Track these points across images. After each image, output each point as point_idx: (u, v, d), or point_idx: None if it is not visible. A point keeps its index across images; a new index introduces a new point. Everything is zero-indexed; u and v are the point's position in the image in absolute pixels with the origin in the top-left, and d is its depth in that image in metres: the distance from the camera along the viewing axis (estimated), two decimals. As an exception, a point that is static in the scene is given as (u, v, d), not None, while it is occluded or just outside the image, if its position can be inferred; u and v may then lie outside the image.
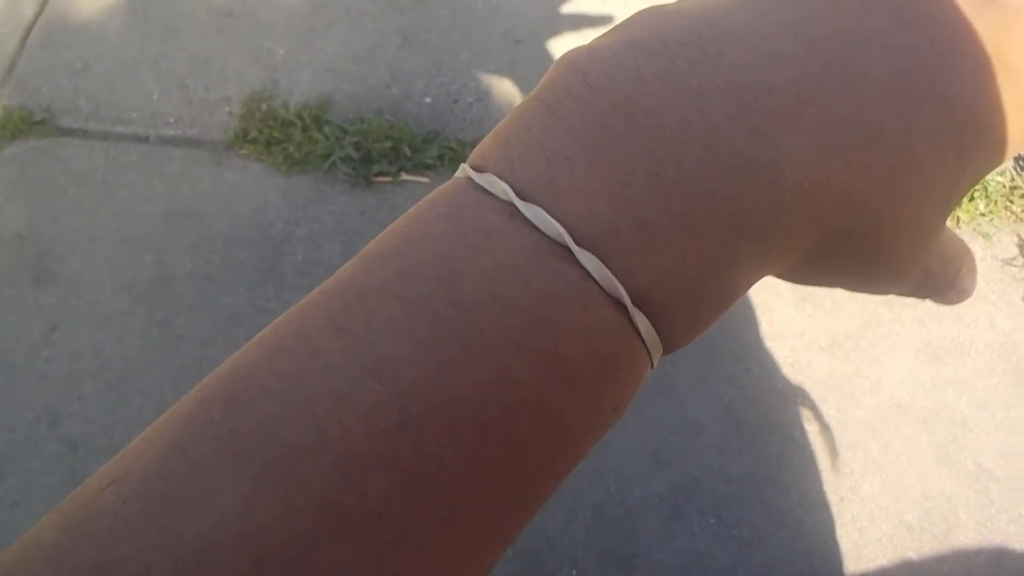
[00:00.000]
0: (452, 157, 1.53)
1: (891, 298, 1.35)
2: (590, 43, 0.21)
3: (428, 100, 1.62)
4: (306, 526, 0.17)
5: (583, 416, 0.20)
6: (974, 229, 1.40)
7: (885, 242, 0.22)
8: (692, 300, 0.20)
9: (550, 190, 0.20)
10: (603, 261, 0.19)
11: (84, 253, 1.45)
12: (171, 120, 1.59)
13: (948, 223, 1.36)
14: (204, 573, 0.17)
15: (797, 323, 1.36)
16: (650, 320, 0.20)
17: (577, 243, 0.19)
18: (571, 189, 0.19)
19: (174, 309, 1.39)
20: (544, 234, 0.19)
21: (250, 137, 1.56)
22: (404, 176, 1.52)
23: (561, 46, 1.65)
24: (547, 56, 1.64)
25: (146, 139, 1.57)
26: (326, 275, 0.21)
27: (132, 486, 0.18)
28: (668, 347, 0.21)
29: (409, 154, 1.54)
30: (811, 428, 1.29)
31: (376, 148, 1.53)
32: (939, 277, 0.25)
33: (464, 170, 0.21)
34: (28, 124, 1.57)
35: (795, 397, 1.32)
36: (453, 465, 0.18)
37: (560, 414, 0.19)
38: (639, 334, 0.20)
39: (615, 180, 0.19)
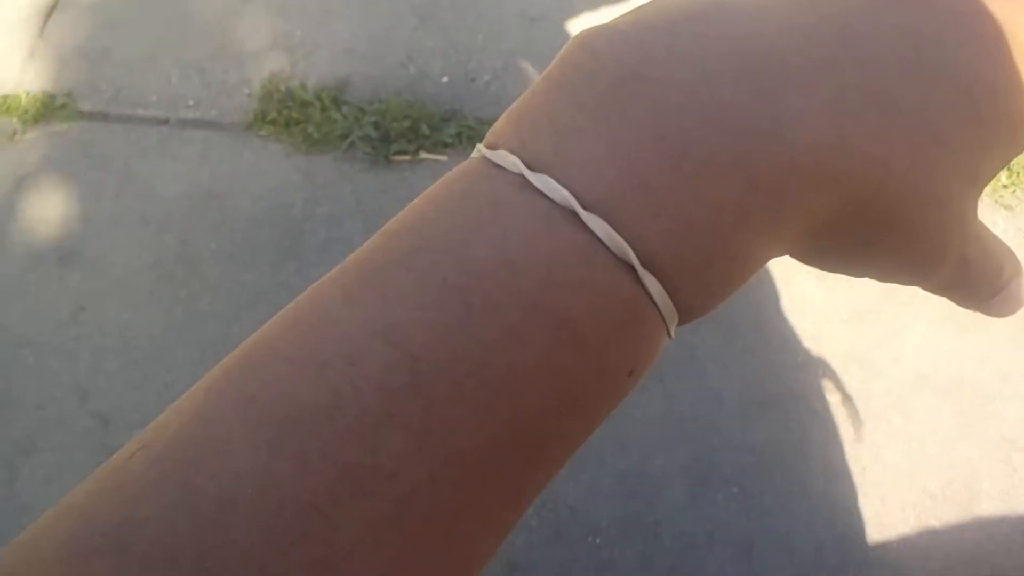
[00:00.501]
0: (470, 135, 1.53)
1: (912, 268, 1.35)
2: (601, 24, 0.22)
3: (445, 79, 1.62)
4: (321, 484, 0.18)
5: (594, 379, 0.20)
6: (996, 201, 1.39)
7: (909, 216, 0.22)
8: (703, 264, 0.20)
9: (558, 160, 0.20)
10: (610, 224, 0.19)
11: (108, 234, 1.46)
12: (190, 103, 1.60)
13: None
14: (223, 528, 0.17)
15: (817, 296, 1.36)
16: (663, 285, 0.20)
17: (584, 208, 0.19)
18: (578, 158, 0.20)
19: (198, 288, 1.40)
20: (553, 202, 0.20)
21: (269, 118, 1.56)
22: (423, 155, 1.52)
23: (576, 24, 1.65)
24: (562, 34, 1.64)
25: (166, 122, 1.58)
26: (347, 252, 0.21)
27: (158, 450, 0.18)
28: (684, 314, 0.21)
29: (427, 133, 1.54)
30: (833, 399, 1.29)
31: (395, 127, 1.54)
32: (978, 269, 0.25)
33: (479, 150, 0.22)
34: (50, 109, 1.58)
35: (816, 369, 1.32)
36: (462, 425, 0.19)
37: (570, 376, 0.20)
38: (651, 298, 0.20)
39: (621, 147, 0.20)
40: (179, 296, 1.40)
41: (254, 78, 1.63)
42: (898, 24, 0.21)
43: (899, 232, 0.22)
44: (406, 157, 1.52)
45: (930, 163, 0.21)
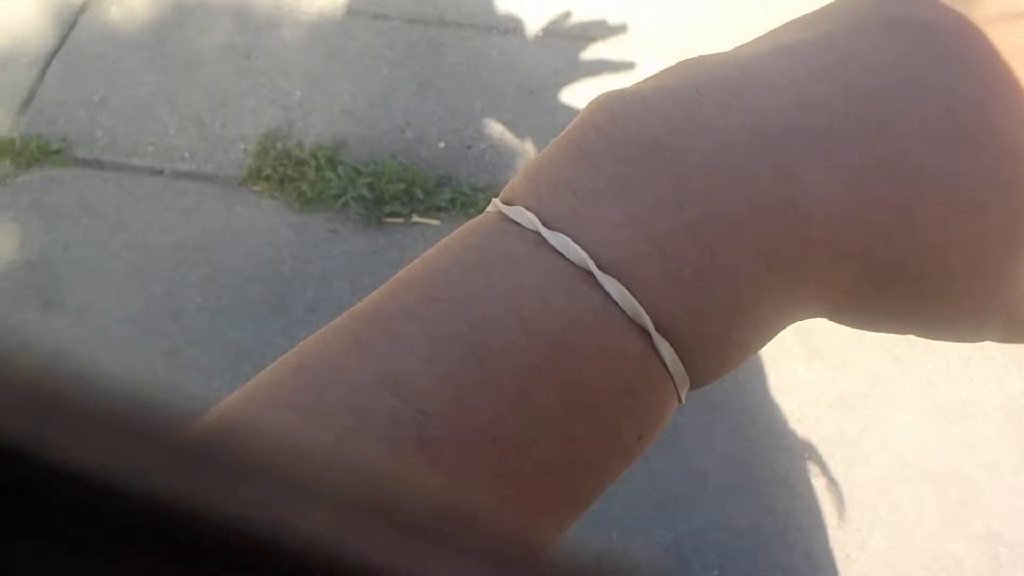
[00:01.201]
0: (464, 201, 1.53)
1: (901, 356, 1.35)
2: (622, 88, 0.22)
3: (442, 145, 1.64)
4: None
5: (603, 444, 0.20)
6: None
7: (940, 286, 0.21)
8: (718, 332, 0.20)
9: (576, 220, 0.20)
10: (626, 287, 0.19)
11: (94, 282, 1.44)
12: (186, 155, 1.60)
13: None
14: None
15: (805, 378, 1.36)
16: (676, 351, 0.20)
17: (600, 269, 0.19)
18: (596, 219, 0.20)
19: (181, 341, 1.39)
20: (569, 260, 0.19)
21: (264, 174, 1.57)
22: (416, 218, 1.52)
23: (573, 97, 1.67)
24: (560, 106, 1.66)
25: (160, 172, 1.58)
26: (335, 313, 0.21)
27: None
28: (696, 381, 0.21)
29: (421, 197, 1.55)
30: (818, 483, 1.28)
31: (389, 190, 1.54)
32: None
33: (494, 204, 0.22)
34: (44, 153, 1.58)
35: (802, 452, 1.30)
36: (470, 488, 0.18)
37: (579, 441, 0.19)
38: (664, 364, 0.20)
39: (640, 211, 0.20)
40: (162, 348, 1.38)
41: (251, 134, 1.63)
42: (934, 87, 0.21)
43: (929, 300, 0.22)
44: (399, 220, 1.52)
45: (961, 232, 0.21)
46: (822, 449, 1.30)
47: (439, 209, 1.53)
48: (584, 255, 0.19)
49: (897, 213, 0.20)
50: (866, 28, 0.21)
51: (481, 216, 0.22)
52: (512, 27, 1.77)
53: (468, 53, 1.76)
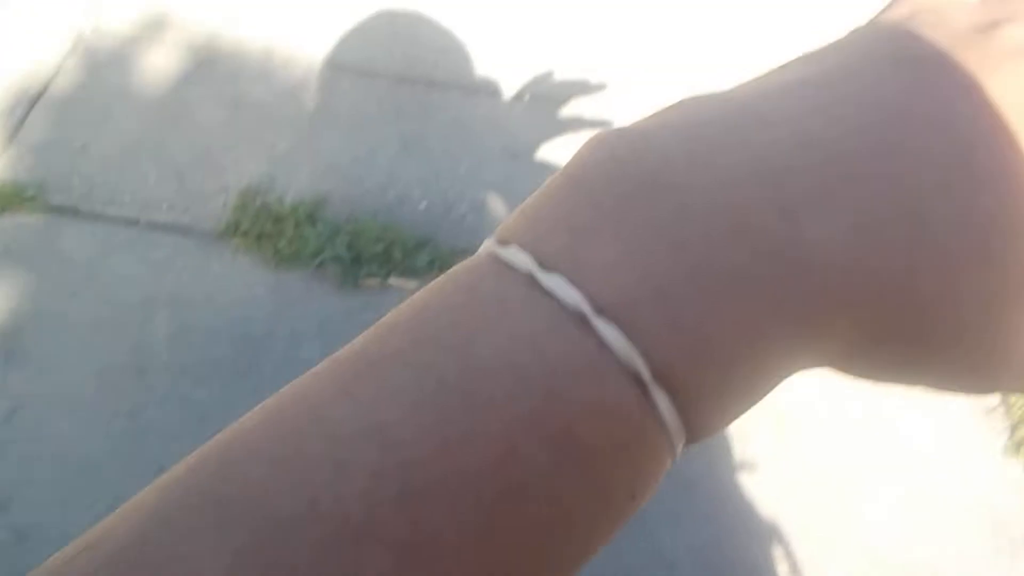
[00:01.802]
0: (443, 265, 1.52)
1: (873, 440, 1.34)
2: (622, 126, 0.21)
3: (423, 206, 1.63)
4: None
5: (594, 502, 0.19)
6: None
7: (947, 338, 0.20)
8: (718, 382, 0.19)
9: (571, 260, 0.19)
10: (623, 333, 0.18)
11: (58, 334, 1.42)
12: (164, 206, 1.59)
13: None
14: None
15: (777, 459, 1.34)
16: (673, 402, 0.19)
17: (597, 313, 0.18)
18: (592, 259, 0.19)
19: (143, 400, 1.36)
20: (563, 304, 0.19)
21: (242, 229, 1.55)
22: (392, 280, 1.51)
23: (557, 163, 1.67)
24: (543, 172, 1.66)
25: (136, 223, 1.57)
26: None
27: (106, 551, 0.17)
28: (692, 434, 0.20)
29: (400, 258, 1.53)
30: (783, 570, 1.26)
31: (367, 250, 1.53)
32: None
33: (487, 245, 0.21)
34: (19, 199, 1.56)
35: (771, 537, 1.28)
36: (454, 546, 0.17)
37: (569, 499, 0.18)
38: (659, 415, 0.19)
39: (638, 251, 0.19)
40: (122, 407, 1.35)
41: (232, 187, 1.62)
42: (937, 126, 0.20)
43: (936, 352, 0.20)
44: (375, 281, 1.50)
45: (967, 281, 0.20)
46: (791, 534, 1.28)
47: (417, 271, 1.52)
48: (580, 298, 0.18)
49: (899, 260, 0.19)
50: (869, 65, 0.21)
51: (473, 256, 0.21)
52: (499, 90, 1.78)
53: (455, 115, 1.76)
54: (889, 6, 0.24)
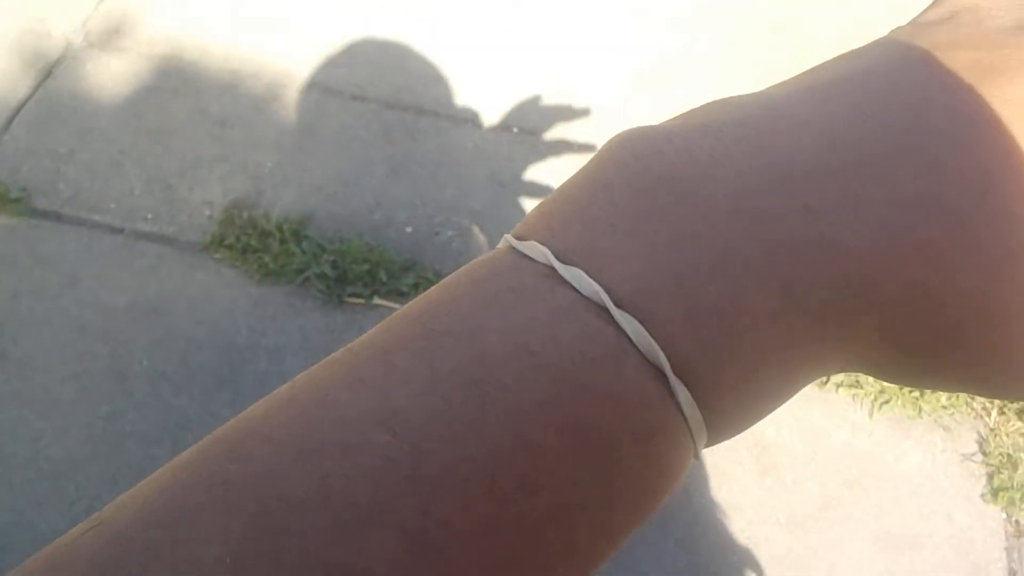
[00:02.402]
0: (428, 287, 1.52)
1: (852, 480, 1.35)
2: (646, 124, 0.21)
3: (409, 229, 1.63)
4: None
5: (612, 495, 0.18)
6: (935, 421, 1.42)
7: (981, 338, 0.20)
8: (740, 377, 0.19)
9: (590, 253, 0.19)
10: (643, 324, 0.18)
11: (39, 336, 1.40)
12: (149, 216, 1.58)
13: (910, 412, 1.35)
14: None
15: (756, 495, 1.35)
16: (693, 396, 0.19)
17: (616, 304, 0.18)
18: (611, 252, 0.19)
19: (123, 404, 1.34)
20: (582, 295, 0.18)
21: (227, 242, 1.55)
22: (377, 300, 1.51)
23: (543, 192, 1.70)
24: (529, 200, 1.68)
25: (120, 231, 1.55)
26: None
27: (114, 530, 0.17)
28: (714, 432, 0.20)
29: (385, 279, 1.54)
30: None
31: (352, 269, 1.53)
32: None
33: (506, 240, 0.21)
34: (3, 201, 1.54)
35: (749, 572, 1.29)
36: (464, 534, 0.17)
37: (585, 489, 0.18)
38: (680, 409, 0.19)
39: (658, 245, 0.19)
40: (101, 411, 1.33)
41: (218, 200, 1.62)
42: (964, 126, 0.19)
43: (970, 353, 0.20)
44: (360, 301, 1.50)
45: (1000, 279, 0.19)
46: (770, 570, 1.29)
47: (402, 293, 1.52)
48: (598, 288, 0.18)
49: (930, 257, 0.19)
50: (900, 66, 0.21)
51: (490, 252, 0.21)
52: (487, 120, 1.80)
53: (442, 141, 1.78)
54: (930, 7, 0.24)
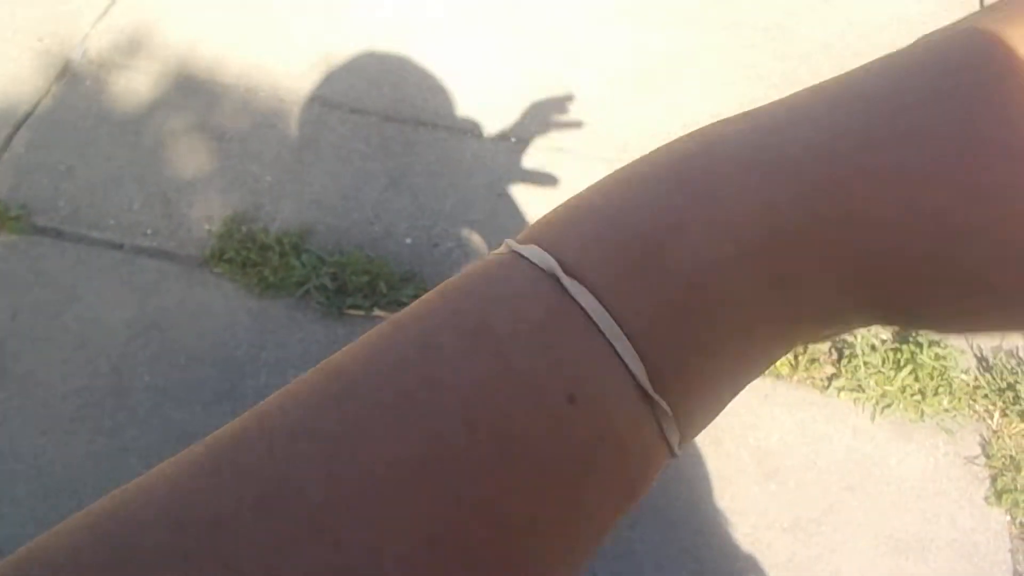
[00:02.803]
0: (427, 298, 1.52)
1: (855, 484, 1.35)
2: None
3: (409, 241, 1.64)
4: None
5: (519, 396, 0.19)
6: (938, 424, 1.42)
7: (989, 302, 0.20)
8: (699, 331, 0.20)
9: (552, 238, 0.21)
10: (593, 294, 0.20)
11: (40, 353, 1.40)
12: (148, 231, 1.58)
13: (912, 416, 1.34)
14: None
15: (759, 500, 1.35)
16: (645, 366, 0.20)
17: (567, 273, 0.20)
18: (571, 235, 0.21)
19: (124, 420, 1.34)
20: (533, 264, 0.20)
21: (226, 256, 1.55)
22: (377, 311, 1.51)
23: (540, 203, 1.70)
24: (527, 211, 1.68)
25: (120, 247, 1.56)
26: None
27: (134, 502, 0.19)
28: (683, 421, 0.21)
29: (385, 291, 1.54)
30: (768, 611, 1.25)
31: (352, 281, 1.53)
32: None
33: (507, 244, 0.22)
34: (3, 219, 1.54)
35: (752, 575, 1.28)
36: (377, 435, 0.19)
37: (488, 389, 0.19)
38: (633, 378, 0.20)
39: (624, 217, 0.21)
40: (103, 426, 1.33)
41: (217, 215, 1.62)
42: (974, 117, 0.20)
43: (992, 292, 0.20)
44: (360, 312, 1.50)
45: (1008, 245, 0.19)
46: (773, 575, 1.28)
47: (401, 305, 1.52)
48: (548, 258, 0.20)
49: (936, 220, 0.19)
50: (910, 70, 0.21)
51: (492, 254, 0.22)
52: (486, 132, 1.80)
53: (441, 153, 1.78)
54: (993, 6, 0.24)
